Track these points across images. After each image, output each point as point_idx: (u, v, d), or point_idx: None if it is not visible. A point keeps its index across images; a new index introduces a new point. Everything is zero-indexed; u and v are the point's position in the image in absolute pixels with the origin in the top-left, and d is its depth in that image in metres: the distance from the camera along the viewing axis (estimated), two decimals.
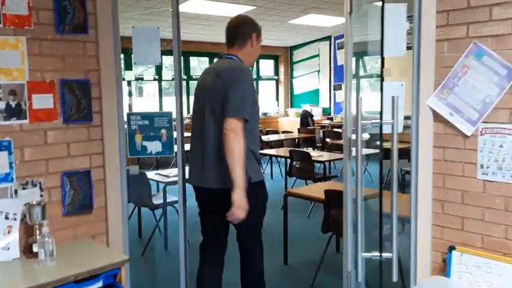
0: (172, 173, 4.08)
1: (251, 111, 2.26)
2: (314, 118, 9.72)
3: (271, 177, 7.32)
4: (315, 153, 5.36)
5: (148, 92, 8.70)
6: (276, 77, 11.45)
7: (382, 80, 2.08)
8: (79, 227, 2.30)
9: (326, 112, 10.42)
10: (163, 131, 2.43)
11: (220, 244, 2.53)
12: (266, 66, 11.39)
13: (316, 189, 3.72)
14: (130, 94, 7.94)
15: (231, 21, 2.50)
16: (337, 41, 10.09)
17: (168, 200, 3.85)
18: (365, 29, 2.86)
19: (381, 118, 2.01)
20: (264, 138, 7.53)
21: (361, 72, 9.55)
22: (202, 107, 2.38)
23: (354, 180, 2.11)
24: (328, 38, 10.26)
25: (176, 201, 3.57)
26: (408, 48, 2.11)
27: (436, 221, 2.11)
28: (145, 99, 8.73)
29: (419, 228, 2.13)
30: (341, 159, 5.96)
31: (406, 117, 2.08)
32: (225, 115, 2.19)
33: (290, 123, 10.18)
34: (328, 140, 7.74)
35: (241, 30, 2.44)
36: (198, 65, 10.17)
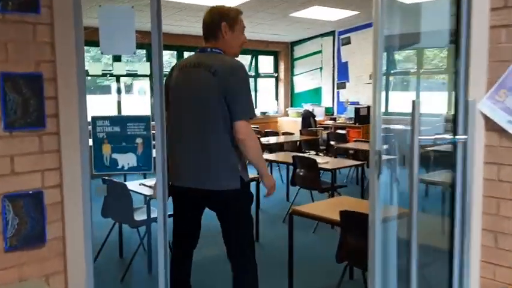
0: None
1: None
2: (316, 118, 9.35)
3: None
4: (320, 159, 4.86)
5: (139, 90, 8.18)
6: (276, 75, 11.00)
7: (456, 79, 1.61)
8: (27, 266, 1.79)
9: (329, 112, 10.04)
10: (139, 140, 1.90)
11: (196, 240, 2.62)
12: (265, 63, 10.92)
13: (326, 207, 3.15)
14: (119, 91, 7.42)
15: (204, 15, 2.52)
16: (341, 37, 9.71)
17: (152, 216, 3.33)
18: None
19: (455, 132, 1.51)
20: (263, 140, 6.90)
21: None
22: (191, 103, 2.35)
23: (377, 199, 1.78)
24: (332, 33, 9.86)
25: None
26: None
27: (486, 256, 1.79)
28: (136, 98, 8.21)
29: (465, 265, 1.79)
30: (350, 166, 5.63)
31: None
32: (235, 118, 2.28)
33: (290, 124, 9.85)
34: (332, 143, 7.28)
35: (209, 22, 2.47)
36: None
